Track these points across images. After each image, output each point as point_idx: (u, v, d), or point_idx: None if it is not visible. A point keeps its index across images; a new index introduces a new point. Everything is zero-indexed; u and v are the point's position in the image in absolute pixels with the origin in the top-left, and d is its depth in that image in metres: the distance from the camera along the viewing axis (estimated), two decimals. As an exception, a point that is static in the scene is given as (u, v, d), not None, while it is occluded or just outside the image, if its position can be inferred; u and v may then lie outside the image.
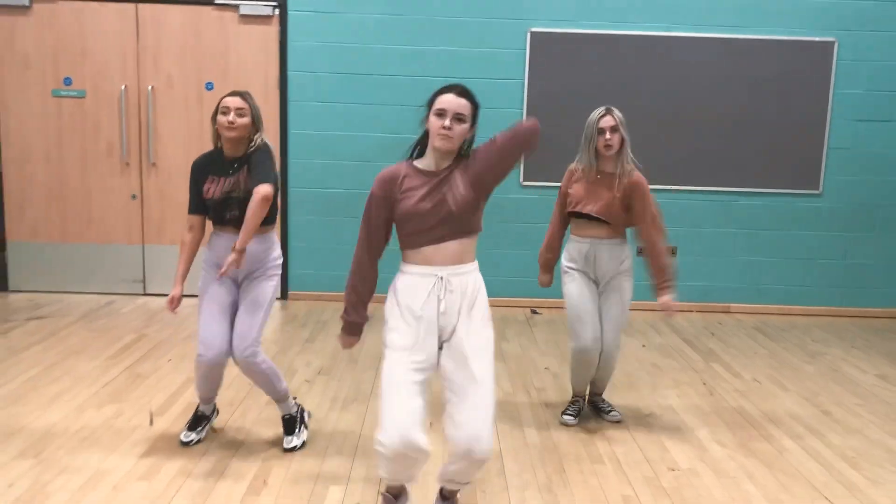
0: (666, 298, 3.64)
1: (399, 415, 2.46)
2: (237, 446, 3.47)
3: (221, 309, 3.30)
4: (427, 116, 2.59)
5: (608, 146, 3.65)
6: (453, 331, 2.58)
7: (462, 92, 2.57)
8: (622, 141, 3.67)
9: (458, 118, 2.53)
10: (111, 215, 6.15)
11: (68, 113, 6.03)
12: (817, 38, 6.03)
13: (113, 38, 5.96)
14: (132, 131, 6.06)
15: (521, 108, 6.04)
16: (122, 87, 6.00)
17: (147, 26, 5.96)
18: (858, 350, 5.36)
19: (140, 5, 5.92)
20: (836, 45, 6.02)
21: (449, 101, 2.54)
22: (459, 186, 2.55)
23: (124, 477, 3.13)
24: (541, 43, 6.01)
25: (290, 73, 6.00)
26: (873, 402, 4.33)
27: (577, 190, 3.75)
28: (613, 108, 3.68)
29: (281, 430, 3.52)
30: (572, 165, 3.83)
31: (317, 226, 6.19)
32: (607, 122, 3.64)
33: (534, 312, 6.11)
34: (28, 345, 4.85)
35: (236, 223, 3.26)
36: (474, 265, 2.65)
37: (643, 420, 3.95)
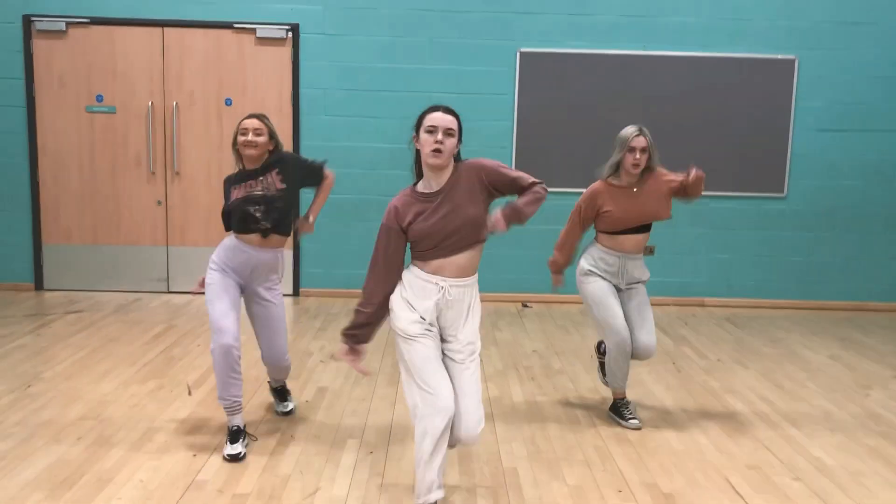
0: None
1: (444, 387, 2.74)
2: (264, 412, 4.04)
3: (232, 303, 3.53)
4: (416, 136, 2.81)
5: (636, 165, 3.85)
6: (453, 334, 2.87)
7: (448, 110, 2.82)
8: (649, 159, 3.88)
9: (448, 133, 2.76)
10: (138, 220, 6.74)
11: (100, 127, 6.63)
12: (780, 56, 6.65)
13: (141, 59, 6.57)
14: (158, 143, 6.66)
15: (512, 121, 6.65)
16: (149, 103, 6.61)
17: (172, 48, 6.57)
18: (816, 336, 5.95)
19: (166, 29, 6.54)
20: (796, 62, 6.64)
21: (438, 118, 2.77)
22: (466, 203, 2.78)
23: (174, 432, 3.71)
24: (529, 62, 6.62)
25: (302, 90, 6.61)
26: (820, 376, 4.91)
27: (616, 208, 3.88)
28: (644, 129, 3.87)
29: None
30: (599, 185, 3.93)
31: (326, 229, 6.77)
32: (639, 142, 3.85)
33: (524, 306, 6.69)
34: (71, 333, 5.43)
35: (263, 233, 3.54)
36: (475, 278, 2.89)
37: (617, 391, 4.53)
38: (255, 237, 3.57)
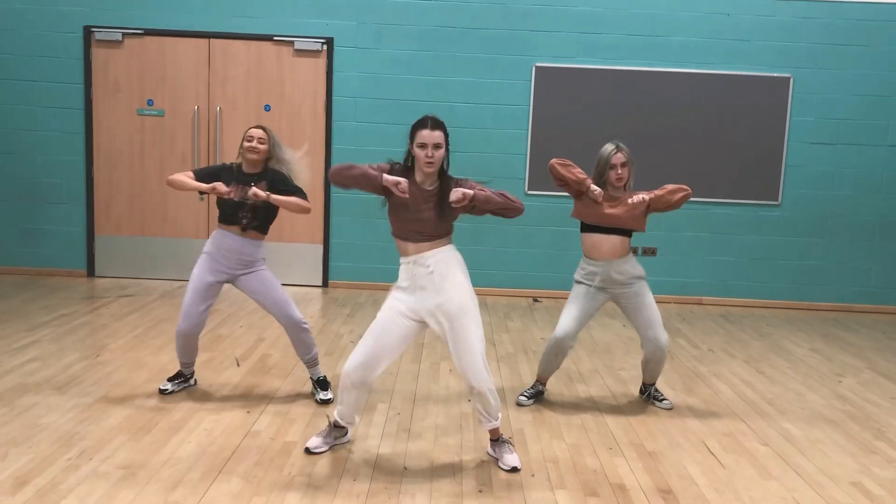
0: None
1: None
2: (298, 393, 4.62)
3: (203, 292, 4.10)
4: (411, 147, 3.33)
5: (619, 179, 4.16)
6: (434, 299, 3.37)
7: (434, 125, 3.28)
8: (629, 173, 4.17)
9: (437, 146, 3.29)
10: (182, 214, 7.37)
11: (150, 128, 7.27)
12: (776, 74, 7.19)
13: (189, 67, 7.20)
14: (202, 144, 7.29)
15: (527, 130, 7.23)
16: (195, 107, 7.24)
17: (217, 57, 7.20)
18: (802, 332, 6.48)
19: (212, 40, 7.17)
20: (791, 80, 7.18)
21: (427, 135, 3.27)
22: (445, 205, 3.30)
23: (228, 394, 4.30)
24: (544, 75, 7.20)
25: (335, 98, 7.22)
26: (800, 366, 5.44)
27: (590, 211, 4.21)
28: (622, 145, 4.14)
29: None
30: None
31: (353, 226, 7.37)
32: (619, 158, 4.12)
33: (535, 301, 7.25)
34: (126, 314, 6.05)
35: (245, 227, 4.04)
36: (445, 248, 3.39)
37: (614, 373, 5.08)
38: (236, 228, 4.09)
